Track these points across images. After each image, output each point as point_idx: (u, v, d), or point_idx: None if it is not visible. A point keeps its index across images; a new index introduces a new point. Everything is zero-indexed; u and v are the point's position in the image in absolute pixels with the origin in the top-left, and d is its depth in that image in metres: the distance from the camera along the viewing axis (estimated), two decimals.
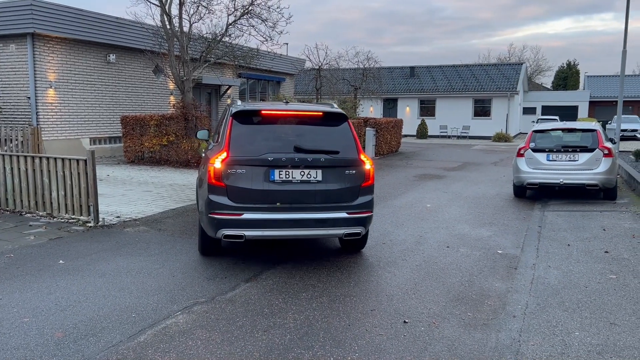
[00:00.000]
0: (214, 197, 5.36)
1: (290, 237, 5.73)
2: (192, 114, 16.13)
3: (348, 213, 5.52)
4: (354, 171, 5.56)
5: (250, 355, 3.77)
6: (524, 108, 42.22)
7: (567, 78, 58.08)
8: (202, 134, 7.56)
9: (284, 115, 5.74)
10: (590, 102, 42.59)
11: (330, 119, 5.83)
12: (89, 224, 7.76)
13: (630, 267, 5.94)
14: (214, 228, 5.40)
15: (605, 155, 10.08)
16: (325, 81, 25.02)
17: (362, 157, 5.68)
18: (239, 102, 6.06)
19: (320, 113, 5.80)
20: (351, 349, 3.90)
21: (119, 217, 8.38)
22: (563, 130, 11.06)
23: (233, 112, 5.68)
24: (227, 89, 22.66)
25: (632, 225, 8.12)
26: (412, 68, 39.67)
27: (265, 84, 26.18)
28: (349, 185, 5.55)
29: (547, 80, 65.98)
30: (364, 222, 5.66)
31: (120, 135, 16.66)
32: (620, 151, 18.05)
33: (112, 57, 17.03)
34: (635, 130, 31.73)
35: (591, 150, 10.17)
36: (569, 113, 40.19)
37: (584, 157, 10.15)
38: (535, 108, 42.98)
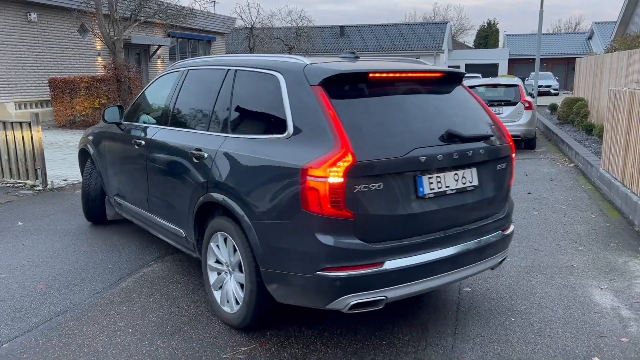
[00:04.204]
0: (329, 240, 2.91)
1: (443, 285, 3.51)
2: (124, 75, 15.77)
3: (503, 230, 3.63)
4: (504, 165, 3.63)
5: None
6: (448, 66, 43.69)
7: (487, 37, 60.43)
8: (110, 113, 5.06)
9: (399, 79, 3.42)
10: (510, 60, 44.83)
11: (445, 83, 3.67)
12: (37, 188, 7.71)
13: (550, 205, 6.79)
14: (331, 294, 2.96)
15: (526, 108, 11.04)
16: (258, 41, 24.87)
17: (510, 140, 3.76)
18: (305, 60, 3.38)
19: (438, 74, 3.60)
20: None
21: (65, 180, 8.33)
22: (488, 85, 11.92)
23: (321, 78, 3.12)
24: (157, 49, 22.07)
25: (550, 170, 9.13)
26: (342, 27, 39.98)
27: (196, 43, 25.66)
28: (501, 187, 3.63)
29: (470, 39, 68.37)
30: (510, 241, 3.80)
31: (49, 98, 16.01)
32: (537, 105, 19.49)
33: (32, 15, 16.12)
34: (550, 86, 33.97)
35: (514, 103, 11.09)
36: (490, 71, 42.15)
37: (507, 110, 11.06)
38: (459, 66, 44.57)
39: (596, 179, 8.05)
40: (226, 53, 27.82)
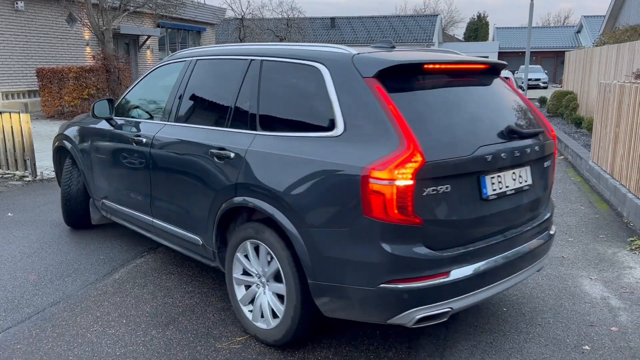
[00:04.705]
0: (395, 249, 2.65)
1: (502, 292, 3.30)
2: (114, 66, 15.63)
3: (549, 231, 3.48)
4: (550, 162, 3.44)
5: (223, 283, 4.16)
6: None
7: (477, 30, 60.56)
8: (100, 108, 4.57)
9: (452, 71, 3.19)
10: (499, 53, 44.96)
11: (489, 74, 3.44)
12: (27, 179, 7.65)
13: None
14: (396, 308, 2.73)
15: None
16: (248, 32, 24.72)
17: (554, 135, 3.54)
18: (350, 49, 3.09)
19: (485, 65, 3.34)
20: None
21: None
22: None
23: (376, 69, 2.85)
24: (147, 39, 21.86)
25: None
26: (332, 19, 39.88)
27: (186, 34, 25.45)
28: (546, 185, 3.46)
29: (460, 32, 68.65)
30: (553, 242, 3.58)
31: (37, 89, 15.82)
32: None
33: (20, 4, 15.88)
34: (539, 80, 34.18)
35: None
36: None
37: None
38: None
39: (585, 171, 8.13)
40: (216, 44, 27.64)
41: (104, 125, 4.69)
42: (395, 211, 2.59)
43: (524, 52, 21.02)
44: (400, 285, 2.65)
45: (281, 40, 26.05)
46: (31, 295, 3.92)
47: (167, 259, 4.64)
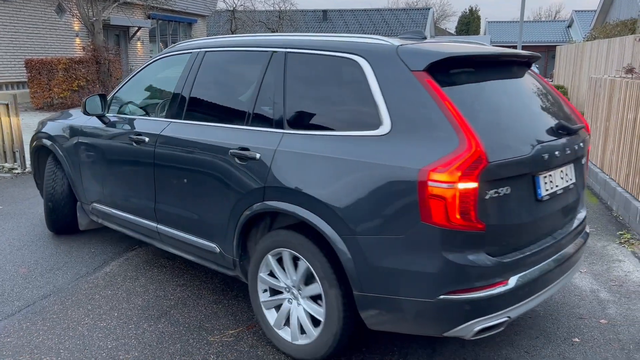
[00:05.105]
0: (457, 257, 2.49)
1: (550, 296, 3.27)
2: (104, 57, 15.50)
3: (587, 230, 3.40)
4: (585, 158, 3.29)
5: (215, 276, 4.17)
6: None
7: (469, 23, 60.65)
8: (92, 104, 4.19)
9: (498, 64, 3.07)
10: None
11: (525, 66, 3.27)
12: (16, 171, 7.58)
13: None
14: (455, 320, 2.57)
15: None
16: (240, 24, 24.59)
17: (588, 130, 3.39)
18: (392, 40, 2.86)
19: (524, 57, 3.20)
20: None
21: None
22: None
23: (427, 62, 2.61)
24: (137, 31, 21.68)
25: None
26: (324, 12, 39.72)
27: (176, 25, 25.27)
28: (583, 183, 3.32)
29: (451, 25, 68.59)
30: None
31: (25, 80, 15.64)
32: None
33: None
34: None
35: None
36: None
37: None
38: None
39: None
40: (208, 36, 27.43)
41: (94, 122, 4.30)
42: (458, 216, 2.41)
43: (516, 46, 21.09)
44: (462, 296, 2.49)
45: (273, 33, 25.96)
46: (21, 289, 3.90)
47: (158, 252, 4.62)
